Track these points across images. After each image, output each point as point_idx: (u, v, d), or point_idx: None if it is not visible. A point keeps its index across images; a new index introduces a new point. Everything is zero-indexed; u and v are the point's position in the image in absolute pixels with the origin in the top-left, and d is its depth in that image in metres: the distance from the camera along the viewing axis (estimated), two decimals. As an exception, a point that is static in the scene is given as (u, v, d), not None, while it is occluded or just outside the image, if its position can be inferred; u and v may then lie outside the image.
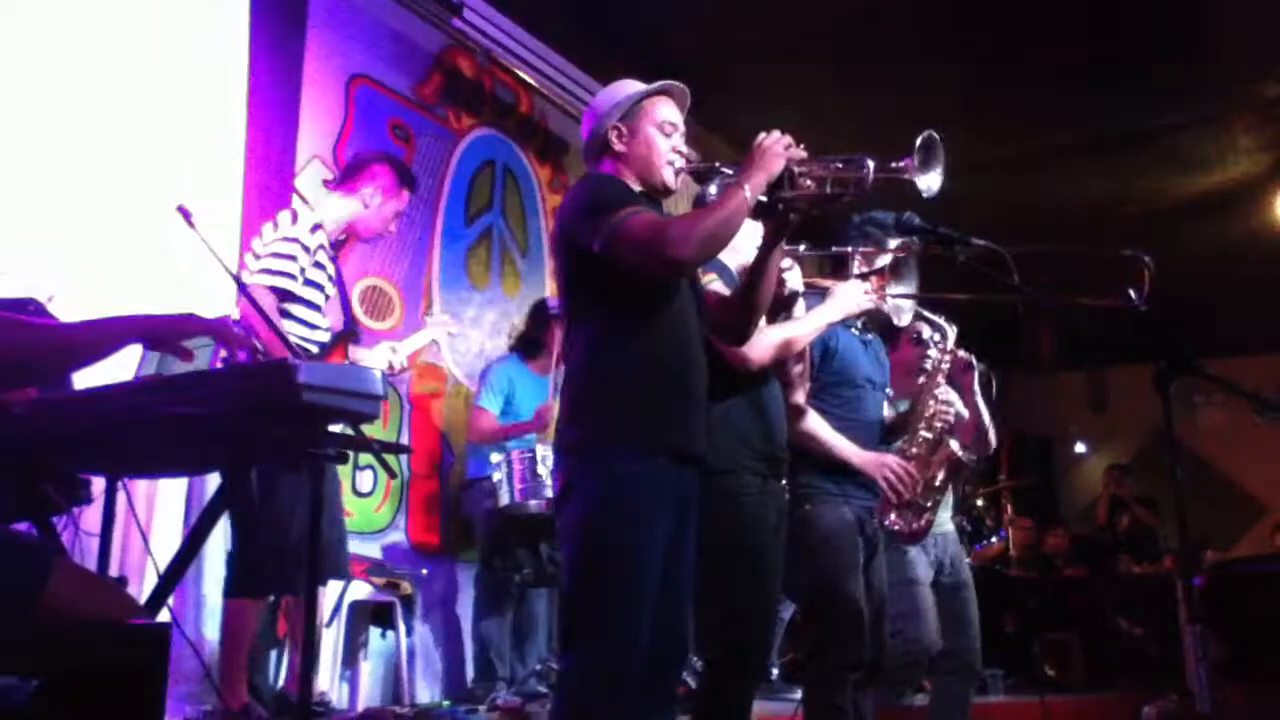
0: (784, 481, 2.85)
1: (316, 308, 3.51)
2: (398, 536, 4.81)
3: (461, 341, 5.25)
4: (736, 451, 2.71)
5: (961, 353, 3.49)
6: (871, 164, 2.32)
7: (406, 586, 4.47)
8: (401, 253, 5.03)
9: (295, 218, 3.51)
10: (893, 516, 3.19)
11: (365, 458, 3.74)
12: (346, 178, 3.78)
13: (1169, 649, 6.60)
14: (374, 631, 4.45)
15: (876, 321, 3.35)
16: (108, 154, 3.66)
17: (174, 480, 3.56)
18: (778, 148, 2.31)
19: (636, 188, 2.44)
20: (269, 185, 4.30)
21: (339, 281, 3.69)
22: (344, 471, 4.08)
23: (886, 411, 3.37)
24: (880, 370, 3.34)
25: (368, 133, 4.92)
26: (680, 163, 2.47)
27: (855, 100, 6.12)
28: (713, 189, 2.70)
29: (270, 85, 4.37)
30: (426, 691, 4.70)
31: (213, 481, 3.23)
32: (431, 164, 5.28)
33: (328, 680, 3.99)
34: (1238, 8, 5.59)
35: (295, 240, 3.43)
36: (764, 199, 2.32)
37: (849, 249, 3.22)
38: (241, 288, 3.14)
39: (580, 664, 2.19)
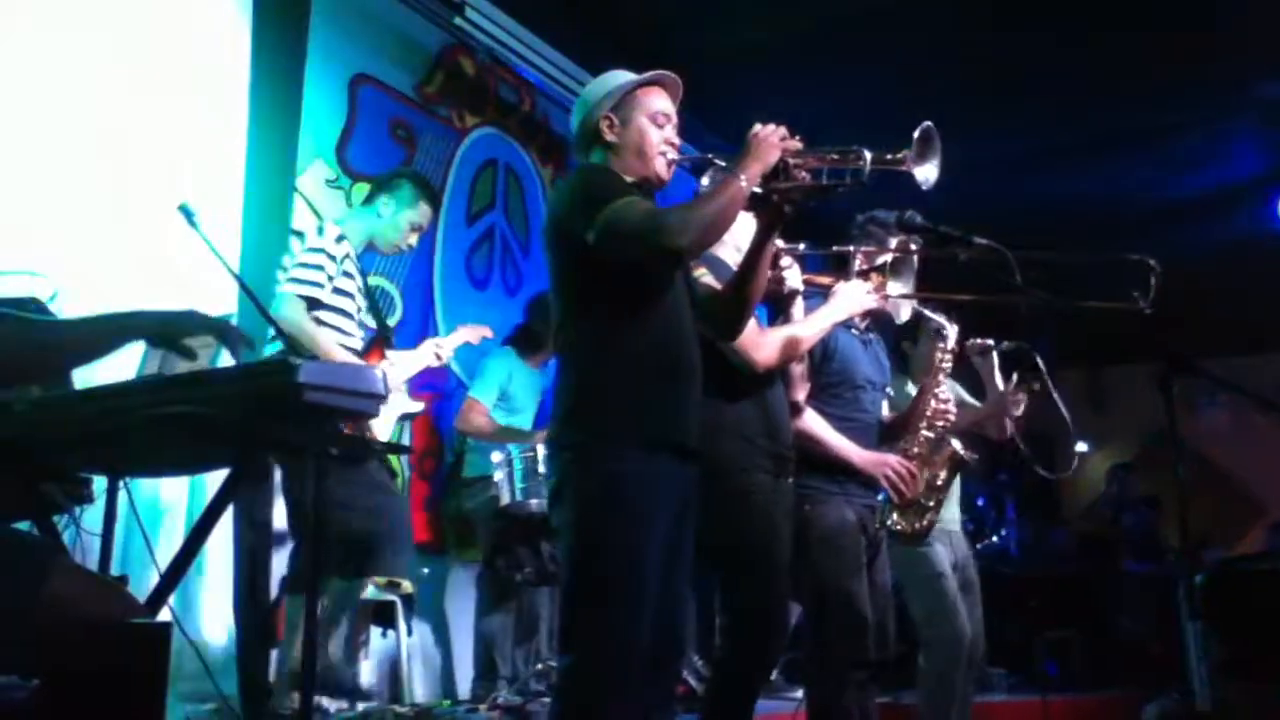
0: (791, 480, 2.85)
1: (349, 315, 3.62)
2: (398, 536, 4.79)
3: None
4: (748, 451, 2.70)
5: (978, 340, 3.55)
6: (868, 155, 2.29)
7: (407, 586, 4.46)
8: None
9: (321, 230, 3.64)
10: (895, 517, 3.19)
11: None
12: (370, 195, 3.94)
13: (1170, 647, 6.59)
14: (374, 631, 4.44)
15: (878, 320, 3.35)
16: (108, 154, 3.65)
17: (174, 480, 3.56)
18: (773, 139, 2.29)
19: (628, 179, 2.39)
20: (270, 185, 4.29)
21: (367, 290, 3.79)
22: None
23: (886, 411, 3.37)
24: (880, 370, 3.33)
25: (370, 132, 4.91)
26: (673, 154, 2.44)
27: (855, 100, 6.11)
28: (705, 180, 2.69)
29: (272, 84, 4.36)
30: (426, 691, 4.70)
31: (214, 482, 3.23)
32: (434, 163, 5.27)
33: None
34: (1238, 8, 5.58)
35: (321, 251, 3.55)
36: (758, 190, 2.29)
37: (851, 248, 3.21)
38: (243, 287, 3.13)
39: (580, 664, 2.17)
